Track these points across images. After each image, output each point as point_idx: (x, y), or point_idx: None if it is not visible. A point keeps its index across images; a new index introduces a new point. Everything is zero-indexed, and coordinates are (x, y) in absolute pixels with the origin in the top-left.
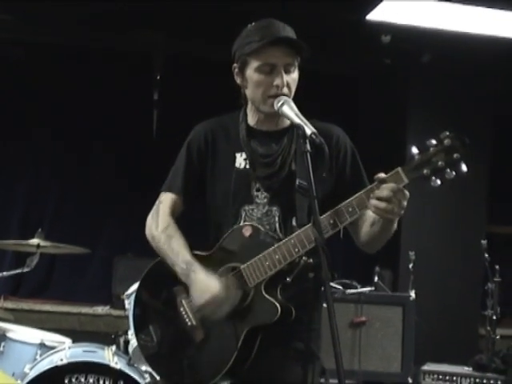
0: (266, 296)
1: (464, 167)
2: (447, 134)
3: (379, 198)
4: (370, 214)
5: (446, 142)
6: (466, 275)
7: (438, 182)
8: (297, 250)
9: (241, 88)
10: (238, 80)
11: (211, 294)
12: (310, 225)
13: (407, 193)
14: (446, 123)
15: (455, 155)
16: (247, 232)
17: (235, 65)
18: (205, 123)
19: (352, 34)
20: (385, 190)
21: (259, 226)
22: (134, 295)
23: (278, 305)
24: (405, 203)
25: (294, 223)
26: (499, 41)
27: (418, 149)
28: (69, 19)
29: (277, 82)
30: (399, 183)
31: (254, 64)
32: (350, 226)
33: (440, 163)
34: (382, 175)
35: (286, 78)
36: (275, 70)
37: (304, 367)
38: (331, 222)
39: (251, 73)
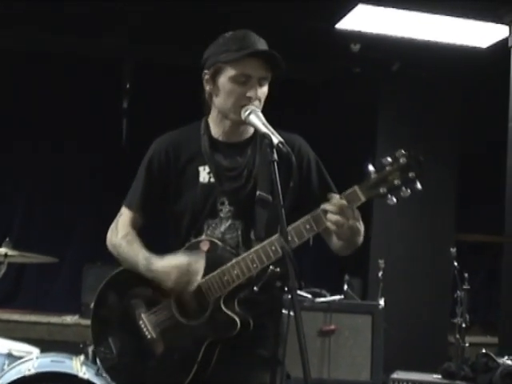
0: (225, 310)
1: (419, 185)
2: (403, 152)
3: (331, 215)
4: None
5: (402, 160)
6: (435, 283)
7: (394, 199)
8: (255, 265)
9: (206, 95)
10: (207, 87)
11: (175, 269)
12: (268, 240)
13: (357, 212)
14: (416, 131)
15: (410, 174)
16: (205, 247)
17: (206, 71)
18: (164, 137)
19: (321, 42)
20: (334, 207)
21: (217, 241)
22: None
23: (237, 319)
24: (352, 222)
25: (252, 237)
26: (468, 49)
27: (374, 167)
28: (38, 25)
29: (250, 93)
30: (356, 201)
31: (229, 73)
32: (323, 234)
33: (396, 182)
34: (336, 196)
35: (258, 91)
36: (250, 82)
37: (269, 373)
38: (289, 239)
39: (225, 81)
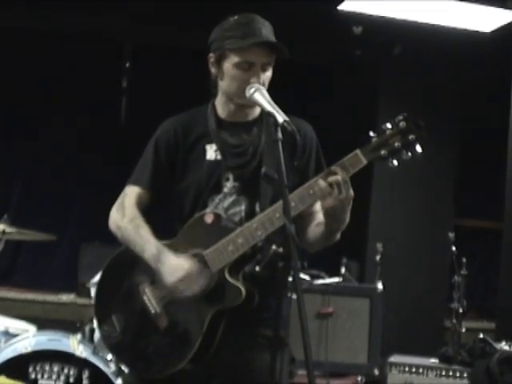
0: (230, 280)
1: (419, 148)
2: (402, 117)
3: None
4: (318, 215)
5: (402, 124)
6: (432, 267)
7: (395, 162)
8: (259, 233)
9: (212, 77)
10: (213, 70)
11: (183, 271)
12: (271, 208)
13: (351, 192)
14: (417, 114)
15: (410, 137)
16: (209, 219)
17: (211, 55)
18: (172, 119)
19: (323, 24)
20: (334, 177)
21: (221, 213)
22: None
23: (242, 288)
24: (348, 195)
25: (257, 210)
26: (470, 33)
27: (375, 132)
28: (37, 3)
29: (253, 79)
30: (358, 164)
31: (233, 59)
32: (298, 221)
33: (396, 144)
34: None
35: (262, 76)
36: (253, 68)
37: (272, 354)
38: (292, 205)
39: (229, 67)
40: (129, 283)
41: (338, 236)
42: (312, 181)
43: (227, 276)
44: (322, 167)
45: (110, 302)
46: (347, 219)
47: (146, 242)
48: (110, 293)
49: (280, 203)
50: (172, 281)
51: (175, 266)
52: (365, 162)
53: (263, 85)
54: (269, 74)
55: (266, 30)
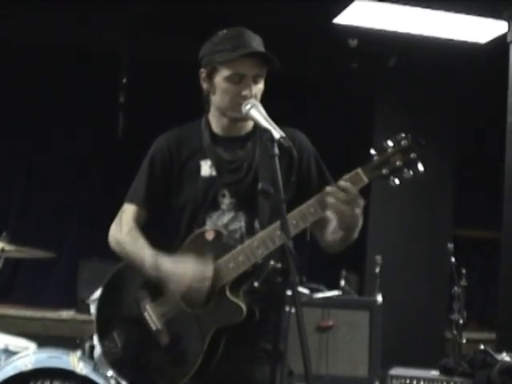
0: (231, 298)
1: (421, 166)
2: (403, 135)
3: (337, 198)
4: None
5: (403, 142)
6: (432, 279)
7: (397, 181)
8: (260, 251)
9: (204, 92)
10: (205, 85)
11: (188, 277)
12: (272, 226)
13: (362, 201)
14: (412, 128)
15: (412, 155)
16: (210, 236)
17: (203, 70)
18: (166, 135)
19: (319, 37)
20: (339, 188)
21: (222, 230)
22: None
23: (243, 305)
24: (357, 209)
25: (257, 226)
26: (465, 44)
27: (376, 150)
28: (36, 17)
29: (245, 92)
30: (359, 183)
31: (223, 73)
32: (314, 228)
33: (398, 163)
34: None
35: (253, 88)
36: (244, 81)
37: (271, 367)
38: (294, 222)
39: (220, 80)
40: (130, 299)
41: (357, 234)
42: (313, 199)
43: (228, 294)
44: (323, 174)
45: (111, 317)
46: (360, 222)
47: (143, 252)
48: (111, 308)
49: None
50: (181, 290)
51: (178, 274)
52: (366, 180)
53: (255, 97)
54: (261, 86)
55: (256, 43)
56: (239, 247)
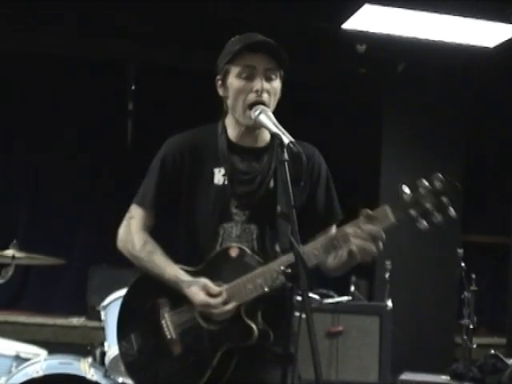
0: (245, 319)
1: (452, 212)
2: (439, 176)
3: (361, 238)
4: None
5: (438, 184)
6: (442, 284)
7: (425, 223)
8: (281, 277)
9: (223, 101)
10: (221, 92)
11: (213, 301)
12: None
13: (383, 235)
14: (421, 133)
15: (444, 199)
16: (234, 253)
17: (218, 77)
18: (179, 136)
19: (327, 42)
20: (366, 234)
21: (246, 248)
22: (120, 302)
23: (255, 329)
24: (380, 244)
25: (277, 249)
26: (474, 49)
27: (408, 187)
28: (42, 26)
29: (256, 86)
30: (385, 221)
31: (234, 71)
32: None
33: (428, 205)
34: (367, 211)
35: (265, 84)
36: (255, 74)
37: (283, 369)
38: (315, 253)
39: (232, 80)
40: (151, 304)
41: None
42: (338, 232)
43: (243, 314)
44: (331, 194)
45: (131, 319)
46: None
47: (163, 271)
48: (133, 310)
49: (303, 247)
50: (209, 313)
51: (196, 296)
52: (393, 220)
53: (268, 93)
54: (275, 84)
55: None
56: (259, 269)
